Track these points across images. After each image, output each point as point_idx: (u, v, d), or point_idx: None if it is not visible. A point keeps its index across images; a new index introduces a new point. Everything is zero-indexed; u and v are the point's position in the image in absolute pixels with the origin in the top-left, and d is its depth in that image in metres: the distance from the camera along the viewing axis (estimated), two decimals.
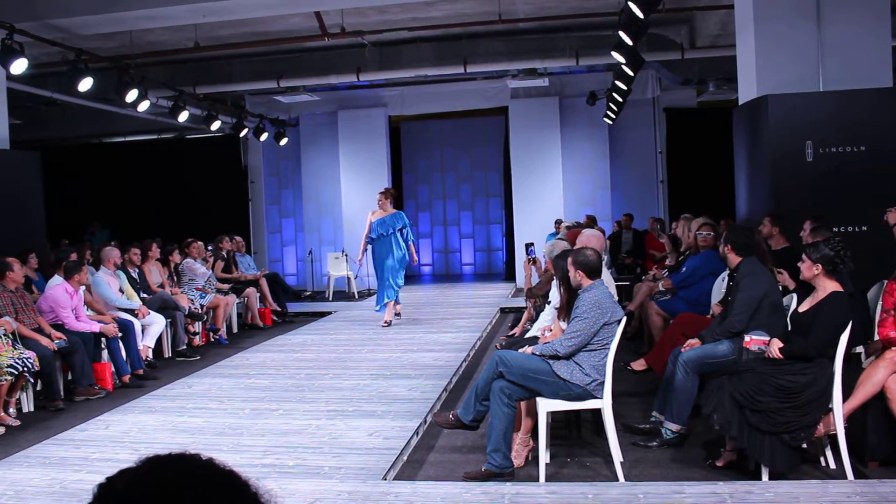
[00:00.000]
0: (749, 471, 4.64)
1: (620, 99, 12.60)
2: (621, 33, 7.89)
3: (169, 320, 9.21)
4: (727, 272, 6.06)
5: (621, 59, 8.99)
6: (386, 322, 10.58)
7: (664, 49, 11.68)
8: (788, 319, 5.01)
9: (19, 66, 8.10)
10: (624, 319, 4.84)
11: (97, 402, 7.23)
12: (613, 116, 14.00)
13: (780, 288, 5.67)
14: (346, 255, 14.49)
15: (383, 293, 10.69)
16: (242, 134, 14.81)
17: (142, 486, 1.10)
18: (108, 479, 1.13)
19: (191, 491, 1.10)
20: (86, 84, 9.23)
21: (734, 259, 5.39)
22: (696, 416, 5.21)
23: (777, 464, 4.42)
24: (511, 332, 7.40)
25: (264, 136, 15.04)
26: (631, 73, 10.41)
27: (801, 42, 7.44)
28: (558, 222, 12.84)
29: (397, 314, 10.97)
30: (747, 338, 4.93)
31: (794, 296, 5.27)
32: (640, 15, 7.13)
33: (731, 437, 4.61)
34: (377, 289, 11.05)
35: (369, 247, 10.80)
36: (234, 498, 1.13)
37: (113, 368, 7.82)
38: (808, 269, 4.68)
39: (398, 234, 10.66)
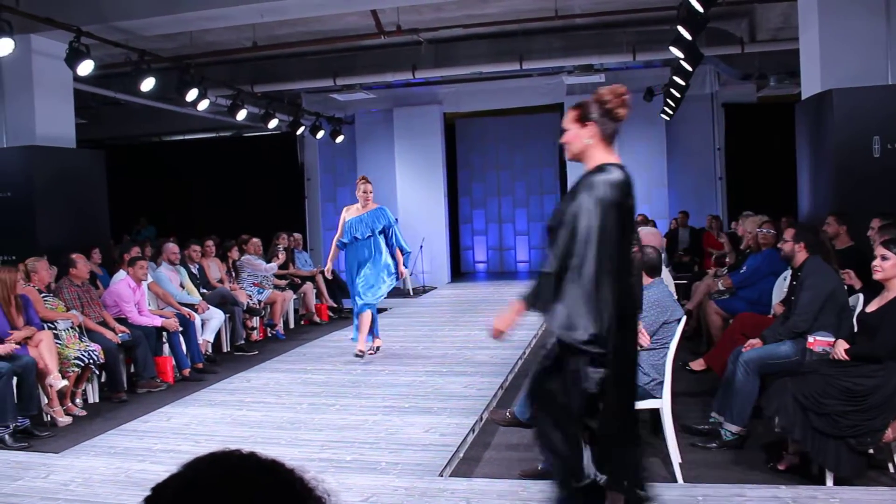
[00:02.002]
0: (812, 475, 4.54)
1: (678, 95, 12.42)
2: (680, 28, 7.79)
3: (228, 315, 9.36)
4: (789, 271, 5.94)
5: (679, 55, 8.88)
6: (360, 351, 8.37)
7: (723, 43, 11.47)
8: (855, 320, 4.89)
9: (86, 67, 8.32)
10: (684, 318, 4.77)
11: (158, 394, 7.40)
12: (671, 112, 13.79)
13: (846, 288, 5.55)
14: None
15: (355, 311, 8.57)
16: (299, 132, 14.98)
17: (193, 489, 1.12)
18: (157, 485, 1.15)
19: (240, 487, 1.11)
20: (148, 84, 9.43)
21: (801, 258, 5.28)
22: (757, 417, 5.12)
23: (842, 469, 4.31)
24: None
25: (320, 134, 15.21)
26: (689, 69, 10.25)
27: (868, 34, 7.24)
28: None
29: (377, 348, 8.72)
30: (811, 338, 4.84)
31: (861, 296, 5.14)
32: (700, 9, 7.02)
33: (794, 440, 4.51)
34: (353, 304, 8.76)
35: (340, 253, 8.85)
36: (283, 491, 1.14)
37: (174, 362, 7.99)
38: (893, 266, 4.49)
39: (379, 238, 8.58)
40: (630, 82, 14.45)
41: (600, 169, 3.32)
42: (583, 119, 3.37)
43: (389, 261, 8.58)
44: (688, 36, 7.85)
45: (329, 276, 9.80)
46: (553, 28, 11.81)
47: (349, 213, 8.61)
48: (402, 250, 8.72)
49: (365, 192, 8.56)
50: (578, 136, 3.38)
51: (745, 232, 8.29)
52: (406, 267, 8.93)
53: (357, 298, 8.44)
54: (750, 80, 13.50)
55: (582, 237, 3.18)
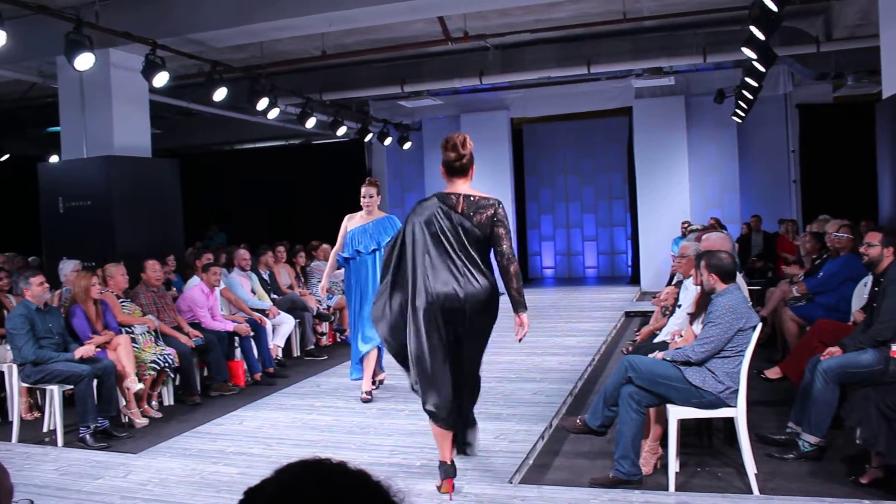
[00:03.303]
0: None
1: (750, 96, 12.13)
2: (753, 28, 7.62)
3: (298, 321, 9.49)
4: (869, 277, 5.75)
5: (752, 55, 8.68)
6: (366, 394, 7.05)
7: (798, 42, 11.17)
8: None
9: (161, 79, 8.55)
10: (759, 325, 4.66)
11: (231, 398, 7.54)
12: (743, 114, 13.49)
13: None
14: None
15: (358, 343, 7.13)
16: (367, 139, 15.12)
17: (286, 496, 1.15)
18: (249, 490, 1.18)
19: (332, 496, 1.13)
20: (220, 94, 9.65)
21: (887, 263, 5.11)
22: (836, 428, 4.95)
23: None
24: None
25: (388, 141, 15.33)
26: (762, 69, 10.02)
27: None
28: (685, 224, 12.51)
29: (380, 381, 7.48)
30: (895, 347, 4.66)
31: None
32: (774, 8, 6.87)
33: (878, 452, 4.35)
34: (350, 339, 7.47)
35: (340, 270, 7.57)
36: (372, 502, 1.16)
37: (245, 366, 8.14)
38: None
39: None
40: (700, 84, 14.39)
41: None
42: None
43: None
44: (761, 36, 7.67)
45: (323, 296, 8.71)
46: (621, 31, 11.68)
47: (352, 223, 7.26)
48: None
49: (369, 196, 7.16)
50: None
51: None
52: None
53: (360, 337, 7.08)
54: (826, 79, 13.14)
55: None
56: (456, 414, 4.62)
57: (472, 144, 4.76)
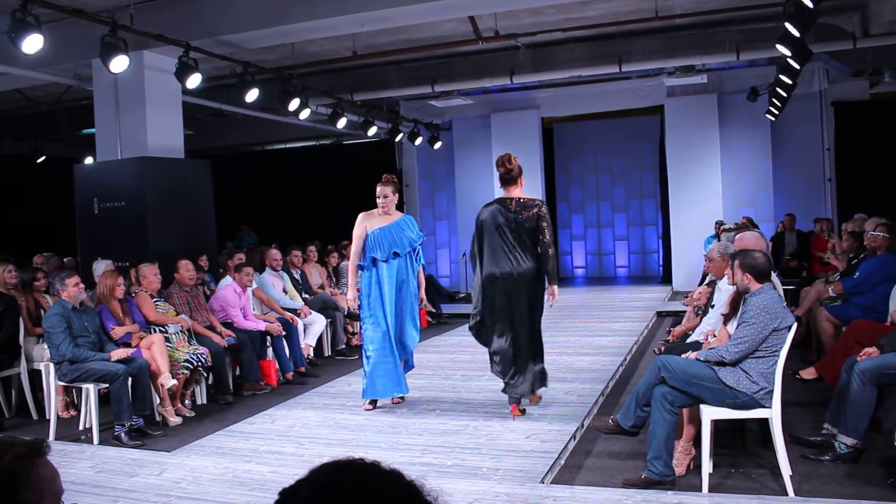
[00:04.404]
0: None
1: (784, 94, 11.97)
2: (787, 24, 7.52)
3: (329, 320, 9.54)
4: None
5: (787, 52, 8.57)
6: (370, 403, 6.74)
7: (833, 39, 11.00)
8: None
9: (194, 80, 8.63)
10: (795, 326, 4.59)
11: (263, 397, 7.60)
12: (776, 112, 13.31)
13: None
14: None
15: (391, 353, 6.61)
16: (397, 139, 15.14)
17: (322, 497, 1.15)
18: (285, 490, 1.19)
19: (367, 496, 1.14)
20: (252, 95, 9.72)
21: None
22: (874, 429, 4.89)
23: None
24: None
25: (419, 141, 15.36)
26: (797, 67, 9.89)
27: None
28: (719, 224, 12.39)
29: (402, 398, 6.90)
30: None
31: None
32: (810, 4, 6.77)
33: None
34: (363, 355, 6.81)
35: (362, 276, 6.81)
36: (406, 501, 1.16)
37: (277, 365, 8.19)
38: None
39: (408, 257, 6.76)
40: (733, 82, 14.23)
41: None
42: None
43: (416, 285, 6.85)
44: (796, 33, 7.57)
45: (354, 307, 7.49)
46: (653, 29, 11.59)
47: (371, 223, 6.73)
48: (423, 268, 7.16)
49: (384, 196, 6.70)
50: None
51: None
52: (424, 302, 6.91)
53: (408, 341, 6.78)
54: (862, 76, 12.94)
55: None
56: (511, 357, 6.15)
57: (518, 160, 6.29)
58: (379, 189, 6.75)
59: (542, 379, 6.30)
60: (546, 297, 6.23)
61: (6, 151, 15.54)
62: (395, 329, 6.64)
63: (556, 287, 6.23)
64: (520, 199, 6.16)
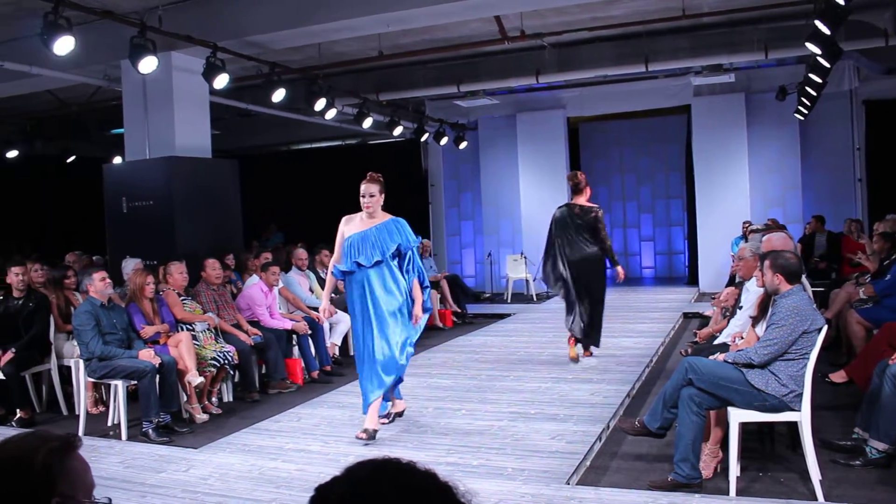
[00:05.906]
0: None
1: (814, 93, 11.82)
2: (818, 22, 7.44)
3: None
4: None
5: (817, 51, 8.47)
6: (364, 432, 5.76)
7: (865, 36, 10.83)
8: None
9: (221, 81, 8.69)
10: (825, 328, 4.53)
11: (289, 395, 7.64)
12: (806, 112, 13.14)
13: None
14: (525, 258, 14.50)
15: (374, 377, 5.87)
16: (423, 139, 15.16)
17: (358, 495, 1.16)
18: (321, 486, 1.20)
19: (402, 496, 1.15)
20: (279, 95, 9.76)
21: None
22: None
23: None
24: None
25: (444, 141, 15.36)
26: (827, 65, 9.76)
27: None
28: (746, 224, 12.26)
29: (398, 414, 6.33)
30: None
31: None
32: (841, 1, 6.69)
33: None
34: (357, 368, 6.11)
35: (338, 284, 6.35)
36: (442, 501, 1.17)
37: (303, 364, 8.23)
38: None
39: (391, 264, 5.92)
40: (761, 81, 14.09)
41: None
42: None
43: (406, 295, 5.99)
44: (826, 30, 7.48)
45: (325, 318, 6.87)
46: (680, 28, 11.51)
47: (350, 227, 6.03)
48: (420, 283, 6.08)
49: (370, 195, 5.93)
50: None
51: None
52: (426, 308, 6.08)
53: (372, 379, 5.87)
54: (894, 74, 12.74)
55: None
56: (581, 329, 8.20)
57: (584, 175, 8.37)
58: (364, 187, 5.90)
59: (589, 334, 8.23)
60: (616, 273, 8.40)
61: (38, 152, 15.72)
62: (370, 345, 5.89)
63: (620, 268, 8.42)
64: (583, 205, 8.19)
